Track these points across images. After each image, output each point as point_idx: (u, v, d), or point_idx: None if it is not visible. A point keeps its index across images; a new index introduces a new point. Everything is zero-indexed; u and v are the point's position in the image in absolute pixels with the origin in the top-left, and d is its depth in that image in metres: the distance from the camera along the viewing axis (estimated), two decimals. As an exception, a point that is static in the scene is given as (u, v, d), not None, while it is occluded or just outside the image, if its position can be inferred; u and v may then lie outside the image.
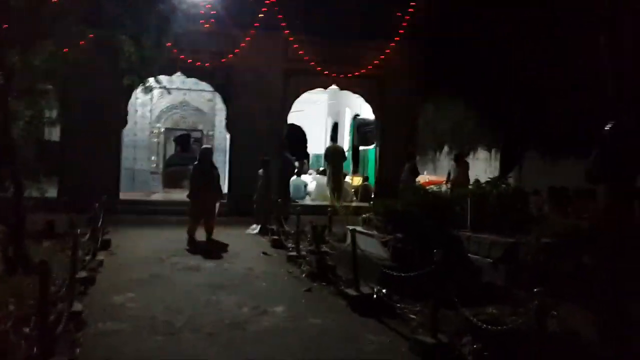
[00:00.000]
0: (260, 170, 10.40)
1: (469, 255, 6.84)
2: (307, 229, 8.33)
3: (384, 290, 5.89)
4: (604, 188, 4.76)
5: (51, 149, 11.29)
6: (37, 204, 8.11)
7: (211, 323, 5.01)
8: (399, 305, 5.61)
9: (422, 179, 15.41)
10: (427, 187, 13.74)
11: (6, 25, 6.36)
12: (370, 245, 7.01)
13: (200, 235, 8.84)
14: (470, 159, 13.69)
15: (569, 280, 5.40)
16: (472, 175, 11.58)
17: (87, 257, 6.98)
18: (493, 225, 7.39)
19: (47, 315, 3.93)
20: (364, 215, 8.45)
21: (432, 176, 14.96)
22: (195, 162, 9.10)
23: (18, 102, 7.08)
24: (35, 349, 3.78)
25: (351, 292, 5.87)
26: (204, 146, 9.60)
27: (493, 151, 14.54)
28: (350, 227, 7.94)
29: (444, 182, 12.12)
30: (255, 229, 10.21)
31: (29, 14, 6.54)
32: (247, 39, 12.59)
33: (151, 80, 8.31)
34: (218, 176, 9.07)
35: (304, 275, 7.01)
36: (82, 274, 6.16)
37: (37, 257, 6.31)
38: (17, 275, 5.73)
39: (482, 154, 14.91)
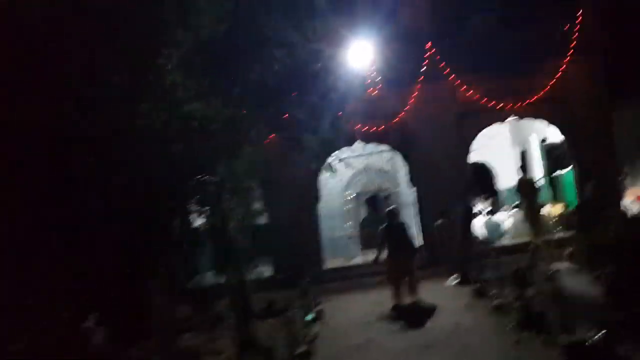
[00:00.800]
0: (440, 221, 10.46)
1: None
2: (509, 272, 8.07)
3: (602, 334, 5.43)
4: None
5: (261, 232, 12.71)
6: (258, 285, 9.26)
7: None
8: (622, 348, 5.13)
9: (634, 192, 13.89)
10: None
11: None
12: (580, 283, 6.57)
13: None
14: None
15: None
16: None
17: (305, 330, 7.69)
18: None
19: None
20: (568, 250, 7.93)
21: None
22: (384, 225, 9.28)
23: (230, 202, 8.31)
24: None
25: (564, 339, 5.54)
26: (390, 208, 9.93)
27: None
28: (556, 265, 7.55)
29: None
30: (455, 279, 10.13)
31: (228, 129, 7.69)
32: (414, 94, 13.05)
33: (331, 159, 9.06)
34: (409, 234, 9.22)
35: (511, 325, 6.77)
36: (303, 347, 6.83)
37: (262, 336, 7.23)
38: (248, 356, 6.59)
39: None
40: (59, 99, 6.31)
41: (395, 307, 8.65)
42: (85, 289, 7.11)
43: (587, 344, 5.31)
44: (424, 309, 8.46)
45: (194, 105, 6.53)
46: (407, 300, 8.71)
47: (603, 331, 5.43)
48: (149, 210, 7.57)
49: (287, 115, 7.93)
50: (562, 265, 7.82)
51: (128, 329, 7.23)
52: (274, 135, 8.37)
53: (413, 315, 8.18)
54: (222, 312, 8.22)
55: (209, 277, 8.96)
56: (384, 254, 8.98)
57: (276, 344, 6.87)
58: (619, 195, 12.70)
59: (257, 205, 9.85)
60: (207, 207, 8.16)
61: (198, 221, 8.77)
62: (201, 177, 7.79)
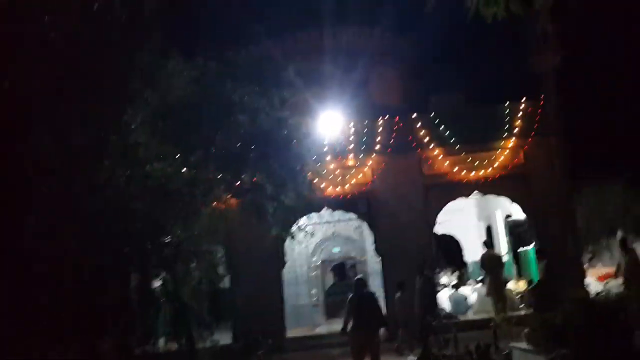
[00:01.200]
0: (399, 293, 10.43)
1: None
2: (470, 349, 7.97)
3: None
4: None
5: (222, 297, 12.40)
6: (213, 353, 8.94)
7: None
8: None
9: (596, 272, 14.10)
10: (604, 281, 12.58)
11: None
12: (535, 364, 6.50)
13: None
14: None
15: None
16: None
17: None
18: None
19: None
20: (525, 330, 7.88)
21: (608, 268, 13.53)
22: (351, 295, 8.94)
23: (188, 264, 8.16)
24: None
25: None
26: (357, 277, 9.71)
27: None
28: (514, 344, 7.51)
29: (614, 275, 10.87)
30: (415, 355, 9.92)
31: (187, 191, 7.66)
32: (382, 165, 13.29)
33: (296, 227, 9.05)
34: (378, 305, 8.84)
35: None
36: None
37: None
38: None
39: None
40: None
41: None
42: (35, 350, 6.76)
43: None
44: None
45: (154, 165, 6.52)
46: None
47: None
48: (104, 270, 7.38)
49: (254, 179, 7.98)
50: (520, 345, 7.74)
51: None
52: (235, 199, 8.36)
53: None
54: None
55: (163, 342, 8.64)
56: (351, 325, 8.69)
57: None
58: (581, 274, 12.81)
59: (219, 269, 9.69)
60: (165, 269, 8.01)
61: (155, 283, 8.56)
62: (160, 238, 7.67)
